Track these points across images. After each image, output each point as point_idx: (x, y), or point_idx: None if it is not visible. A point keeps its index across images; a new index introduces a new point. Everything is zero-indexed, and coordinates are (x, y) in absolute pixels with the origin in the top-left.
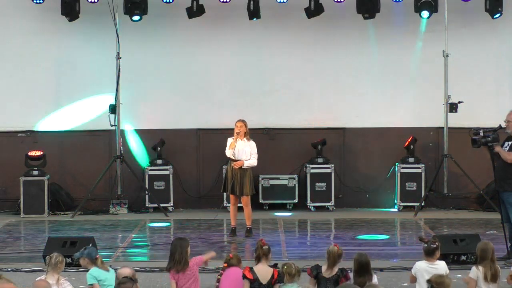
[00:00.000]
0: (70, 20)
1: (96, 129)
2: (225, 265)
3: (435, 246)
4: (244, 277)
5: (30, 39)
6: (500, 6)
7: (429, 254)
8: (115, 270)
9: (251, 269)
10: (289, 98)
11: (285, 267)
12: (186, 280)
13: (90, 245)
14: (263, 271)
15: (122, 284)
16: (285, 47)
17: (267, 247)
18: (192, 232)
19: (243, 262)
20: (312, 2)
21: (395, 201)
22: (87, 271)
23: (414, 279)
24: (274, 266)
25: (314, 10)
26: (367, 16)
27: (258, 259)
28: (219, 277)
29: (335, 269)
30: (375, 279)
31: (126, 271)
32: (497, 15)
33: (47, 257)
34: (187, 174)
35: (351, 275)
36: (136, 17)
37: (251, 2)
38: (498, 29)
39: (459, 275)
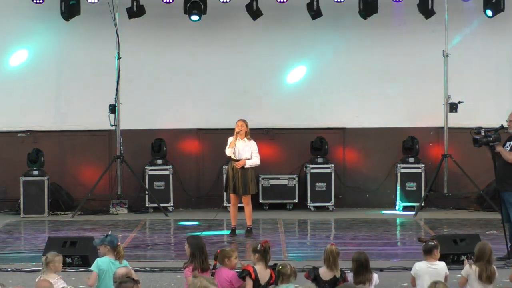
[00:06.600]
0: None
1: (96, 129)
2: (215, 262)
3: (433, 244)
4: (249, 275)
5: (30, 39)
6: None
7: (428, 253)
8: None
9: (254, 269)
10: (289, 98)
11: (280, 267)
12: None
13: (110, 232)
14: (263, 272)
15: (123, 283)
16: (285, 47)
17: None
18: (192, 232)
19: (246, 262)
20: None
21: (395, 201)
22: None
23: (414, 283)
24: (274, 266)
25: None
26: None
27: (264, 261)
28: (212, 277)
29: (336, 271)
30: (375, 277)
31: (122, 270)
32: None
33: (42, 257)
34: (187, 174)
35: (349, 275)
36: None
37: (254, 2)
38: (498, 29)
39: (459, 275)
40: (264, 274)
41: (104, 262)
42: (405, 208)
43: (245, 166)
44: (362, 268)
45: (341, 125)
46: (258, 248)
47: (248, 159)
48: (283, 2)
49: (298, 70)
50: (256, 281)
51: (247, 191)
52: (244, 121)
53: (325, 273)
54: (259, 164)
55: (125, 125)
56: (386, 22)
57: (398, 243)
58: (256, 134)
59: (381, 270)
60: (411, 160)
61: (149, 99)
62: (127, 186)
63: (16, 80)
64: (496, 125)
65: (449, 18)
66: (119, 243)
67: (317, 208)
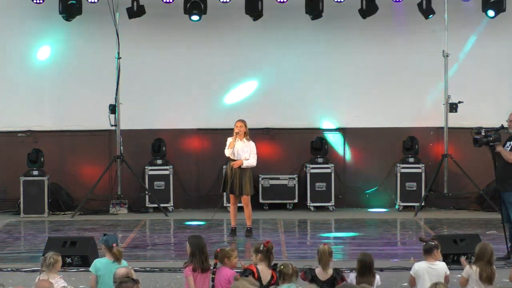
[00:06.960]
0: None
1: (96, 129)
2: (216, 261)
3: (433, 244)
4: (252, 274)
5: (30, 39)
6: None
7: (428, 253)
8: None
9: (257, 269)
10: (289, 98)
11: (282, 267)
12: (202, 282)
13: (115, 233)
14: (265, 272)
15: (123, 283)
16: (285, 47)
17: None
18: (192, 232)
19: (246, 262)
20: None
21: (395, 201)
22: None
23: (413, 283)
24: (275, 266)
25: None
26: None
27: (267, 261)
28: (213, 276)
29: (330, 270)
30: (377, 279)
31: (122, 270)
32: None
33: (41, 258)
34: (187, 174)
35: (350, 275)
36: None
37: (259, 2)
38: (498, 29)
39: (459, 275)
40: (266, 274)
41: (102, 263)
42: (405, 208)
43: (242, 166)
44: (366, 269)
45: (341, 125)
46: (261, 249)
47: (247, 159)
48: (283, 2)
49: (297, 70)
50: (258, 281)
51: (244, 191)
52: (243, 121)
53: (321, 274)
54: (257, 164)
55: (125, 125)
56: (386, 22)
57: (398, 243)
58: (256, 134)
59: (381, 270)
60: (411, 160)
61: (149, 99)
62: (127, 186)
63: (17, 80)
64: (496, 125)
65: (449, 18)
66: (114, 244)
67: (317, 208)
